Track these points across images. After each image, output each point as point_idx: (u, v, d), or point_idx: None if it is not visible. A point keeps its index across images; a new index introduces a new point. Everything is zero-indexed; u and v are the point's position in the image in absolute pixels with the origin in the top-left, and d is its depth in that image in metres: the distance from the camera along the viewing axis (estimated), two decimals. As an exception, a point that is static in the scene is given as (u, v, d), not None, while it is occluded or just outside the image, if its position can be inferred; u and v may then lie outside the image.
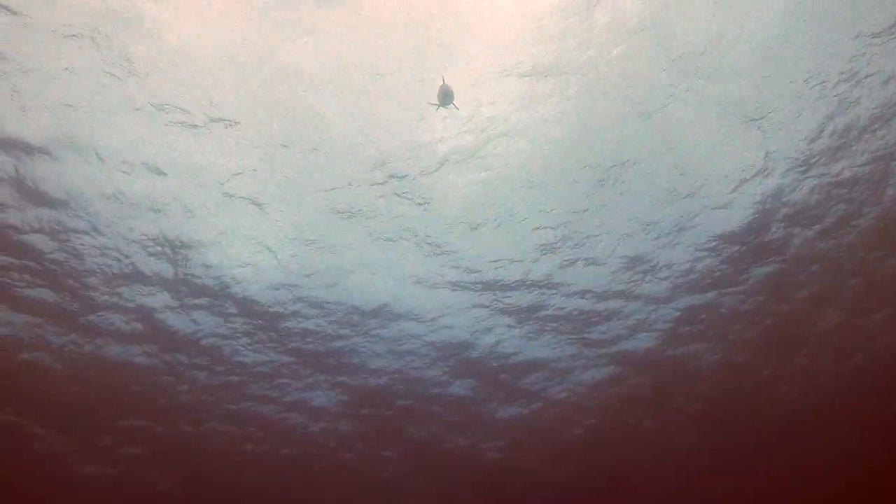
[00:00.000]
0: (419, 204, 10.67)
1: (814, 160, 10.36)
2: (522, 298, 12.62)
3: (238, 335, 12.57)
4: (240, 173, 9.88)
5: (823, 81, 9.24)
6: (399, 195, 10.51)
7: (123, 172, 9.53)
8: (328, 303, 12.21)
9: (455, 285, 12.22)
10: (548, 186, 10.65)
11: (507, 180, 10.51)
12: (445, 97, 8.62)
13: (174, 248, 10.79)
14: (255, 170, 9.88)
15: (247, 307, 12.02)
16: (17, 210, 9.62)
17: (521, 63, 8.86)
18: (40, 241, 10.23)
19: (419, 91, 9.08)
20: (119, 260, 10.77)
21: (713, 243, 11.73)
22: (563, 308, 12.84)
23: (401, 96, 9.11)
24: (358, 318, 12.67)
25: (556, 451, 17.25)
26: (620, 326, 13.37)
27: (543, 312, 12.93)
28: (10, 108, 8.39)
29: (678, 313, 13.15)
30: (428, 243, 11.37)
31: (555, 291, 12.48)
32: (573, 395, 15.18)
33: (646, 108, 9.58)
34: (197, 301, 11.72)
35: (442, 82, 8.77)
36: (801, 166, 10.47)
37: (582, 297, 12.63)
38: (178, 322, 12.08)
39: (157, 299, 11.59)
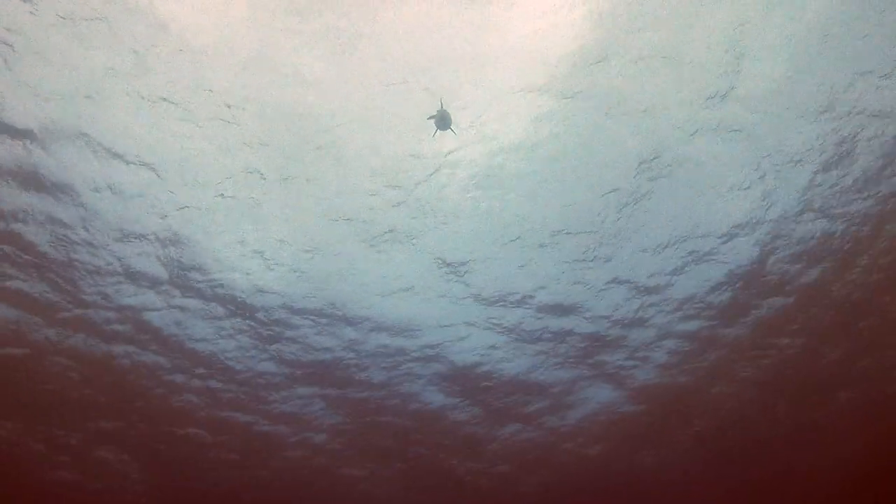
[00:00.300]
0: (420, 217, 10.54)
1: (820, 198, 10.42)
2: (523, 320, 12.47)
3: (222, 339, 12.25)
4: (236, 174, 9.69)
5: (833, 118, 9.31)
6: (400, 206, 10.37)
7: (117, 167, 9.28)
8: (320, 312, 11.97)
9: (453, 302, 12.05)
10: (554, 208, 10.58)
11: (513, 199, 10.42)
12: (443, 121, 8.53)
13: (163, 247, 10.52)
14: (252, 172, 9.70)
15: (234, 312, 11.73)
16: (3, 199, 9.33)
17: (531, 82, 8.82)
18: (25, 232, 9.90)
19: (427, 102, 9.01)
20: (103, 256, 10.47)
21: (718, 277, 11.73)
22: (563, 332, 12.72)
23: (408, 107, 9.03)
24: (350, 331, 12.42)
25: (551, 478, 17.03)
26: (621, 355, 13.29)
27: (544, 335, 12.80)
28: (11, 95, 8.16)
29: (679, 344, 13.11)
30: (428, 257, 11.22)
31: (556, 315, 12.37)
32: (570, 422, 15.01)
33: (654, 135, 9.59)
34: (182, 302, 11.41)
35: (440, 106, 8.68)
36: (806, 203, 10.52)
37: (584, 323, 12.53)
38: (161, 323, 11.74)
39: (142, 298, 11.25)
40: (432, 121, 8.82)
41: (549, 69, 8.66)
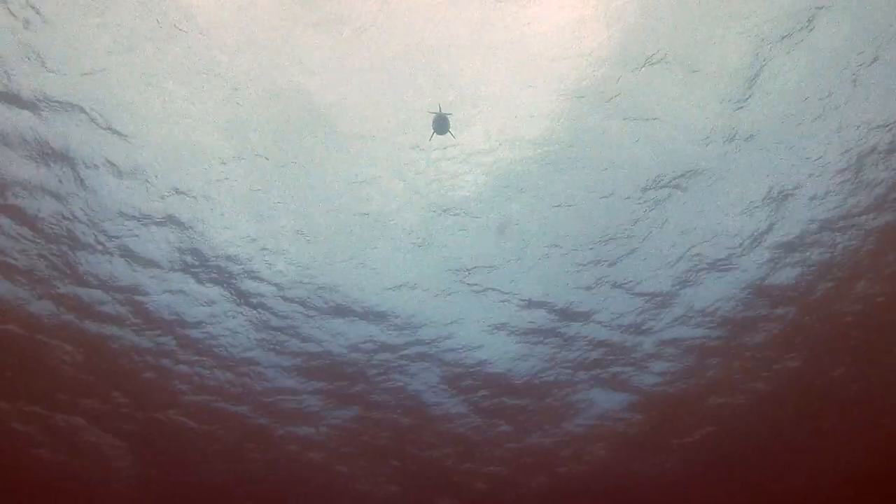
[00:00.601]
0: (424, 212, 10.43)
1: (829, 210, 10.28)
2: (526, 323, 12.31)
3: (215, 326, 12.12)
4: (237, 159, 9.60)
5: (845, 131, 9.22)
6: (402, 198, 10.26)
7: (116, 144, 9.18)
8: (319, 304, 11.87)
9: (455, 301, 11.89)
10: (560, 211, 10.45)
11: (519, 199, 10.29)
12: (441, 124, 8.41)
13: (159, 229, 10.38)
14: (253, 157, 9.60)
15: (229, 298, 11.62)
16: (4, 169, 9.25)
17: (541, 79, 8.71)
18: (20, 205, 9.80)
19: (433, 94, 8.93)
20: (96, 235, 10.34)
21: (724, 287, 11.62)
22: (567, 337, 12.56)
23: (413, 98, 8.95)
24: (349, 324, 12.30)
25: (548, 481, 16.87)
26: (624, 361, 13.14)
27: (547, 339, 12.64)
28: (16, 65, 8.12)
29: (682, 352, 12.95)
30: (430, 254, 11.08)
31: (560, 320, 12.22)
32: (571, 426, 14.85)
33: (666, 142, 9.45)
34: (177, 286, 11.30)
35: (438, 110, 8.56)
36: (814, 216, 10.39)
37: (588, 328, 12.40)
38: (154, 306, 11.60)
39: (135, 280, 11.15)
40: (432, 116, 8.73)
41: (562, 67, 8.56)
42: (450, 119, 8.60)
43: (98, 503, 17.26)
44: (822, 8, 7.81)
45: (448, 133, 8.76)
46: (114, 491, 16.63)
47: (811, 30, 8.01)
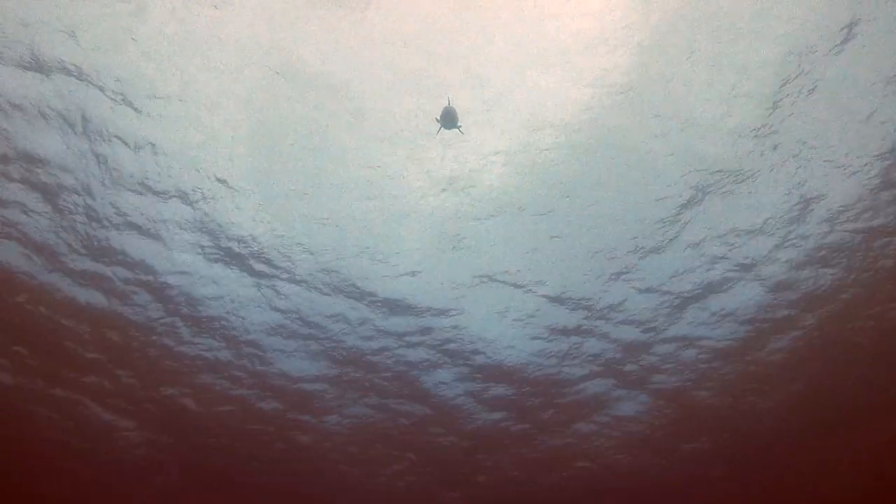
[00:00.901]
0: (444, 200, 10.26)
1: (854, 215, 10.12)
2: (546, 320, 12.21)
3: (220, 305, 12.02)
4: (254, 138, 9.42)
5: (875, 144, 9.09)
6: (420, 184, 10.09)
7: (131, 117, 8.98)
8: (329, 288, 11.76)
9: (471, 293, 11.77)
10: (591, 206, 10.30)
11: (546, 191, 10.13)
12: (449, 119, 8.19)
13: (169, 205, 10.21)
14: (271, 137, 9.43)
15: (236, 277, 11.48)
16: (17, 139, 9.09)
17: (566, 68, 8.52)
18: (36, 176, 9.65)
19: (453, 81, 8.74)
20: (105, 209, 10.18)
21: (748, 291, 11.52)
22: (585, 334, 12.48)
23: (431, 82, 8.77)
24: (358, 311, 12.17)
25: (558, 478, 16.90)
26: (641, 362, 13.08)
27: (565, 337, 12.55)
28: (38, 36, 7.94)
29: (700, 356, 12.89)
30: (448, 243, 10.94)
31: (579, 317, 12.12)
32: (582, 425, 14.82)
33: (696, 143, 9.28)
34: (185, 266, 11.15)
35: (447, 103, 8.33)
36: (838, 222, 10.25)
37: (606, 327, 12.33)
38: (162, 283, 11.51)
39: (145, 255, 10.99)
40: (441, 109, 8.53)
41: (588, 59, 8.36)
42: (457, 112, 8.38)
43: (102, 480, 17.36)
44: (860, 13, 7.62)
45: (457, 128, 8.54)
46: (118, 469, 16.71)
47: (849, 33, 7.84)
